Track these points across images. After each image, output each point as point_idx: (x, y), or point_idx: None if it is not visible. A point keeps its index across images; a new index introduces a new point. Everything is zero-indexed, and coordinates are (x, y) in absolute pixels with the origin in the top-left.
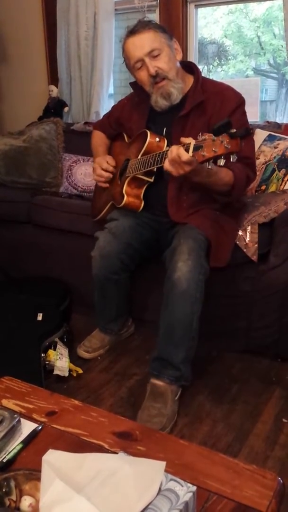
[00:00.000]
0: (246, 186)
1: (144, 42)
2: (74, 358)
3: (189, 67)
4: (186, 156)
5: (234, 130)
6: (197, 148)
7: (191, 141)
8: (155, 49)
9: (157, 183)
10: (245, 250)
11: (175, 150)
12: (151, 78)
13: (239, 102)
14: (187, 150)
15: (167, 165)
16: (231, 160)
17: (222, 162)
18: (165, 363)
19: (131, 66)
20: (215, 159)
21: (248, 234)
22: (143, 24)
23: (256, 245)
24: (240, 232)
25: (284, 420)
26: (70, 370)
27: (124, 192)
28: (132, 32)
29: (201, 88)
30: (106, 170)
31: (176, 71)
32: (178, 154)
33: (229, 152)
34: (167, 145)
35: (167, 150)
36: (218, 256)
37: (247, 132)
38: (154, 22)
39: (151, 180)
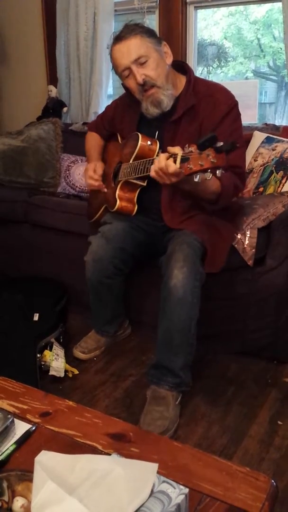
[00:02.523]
0: (234, 195)
1: (130, 49)
2: (70, 358)
3: (181, 67)
4: (173, 167)
5: (221, 144)
6: (184, 160)
7: (178, 151)
8: (142, 56)
9: (151, 187)
10: (242, 254)
11: (163, 161)
12: (139, 86)
13: (231, 105)
14: (174, 161)
15: (153, 173)
16: (217, 174)
17: (209, 176)
18: (165, 370)
19: (119, 74)
20: (201, 172)
21: (247, 238)
22: (129, 30)
23: (254, 250)
24: (238, 236)
25: (279, 423)
26: (65, 371)
27: (116, 196)
28: (118, 38)
29: (193, 91)
30: (92, 178)
31: (166, 76)
32: (166, 165)
33: (215, 166)
34: (160, 149)
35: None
36: (213, 262)
37: (233, 146)
38: (141, 26)
39: (144, 184)
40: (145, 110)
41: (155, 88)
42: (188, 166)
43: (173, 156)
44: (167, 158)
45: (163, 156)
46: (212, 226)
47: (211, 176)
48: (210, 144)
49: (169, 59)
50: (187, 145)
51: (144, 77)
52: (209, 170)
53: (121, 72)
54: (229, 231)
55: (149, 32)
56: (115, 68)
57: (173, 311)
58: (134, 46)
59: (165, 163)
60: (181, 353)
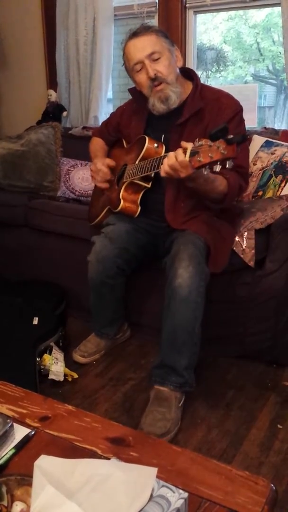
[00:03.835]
0: (238, 195)
1: (145, 44)
2: (69, 362)
3: (187, 74)
4: (182, 156)
5: (231, 136)
6: (193, 153)
7: (189, 146)
8: (156, 52)
9: (155, 189)
10: (242, 255)
11: (173, 155)
12: (150, 81)
13: (237, 110)
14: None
15: (166, 167)
16: (227, 166)
17: (218, 168)
18: (169, 370)
19: (130, 68)
20: (211, 165)
21: (244, 239)
22: (145, 27)
23: (253, 251)
24: (237, 238)
25: (279, 426)
26: (65, 375)
27: (121, 197)
28: (134, 34)
29: (200, 95)
30: (104, 165)
31: (175, 76)
32: (176, 155)
33: (225, 158)
34: (165, 151)
35: (165, 155)
36: (216, 262)
37: (244, 138)
38: (157, 27)
39: (148, 185)
40: (151, 106)
41: (164, 83)
42: (198, 159)
43: (183, 150)
44: (178, 150)
45: (172, 153)
46: (214, 226)
47: (219, 167)
48: (222, 135)
49: (179, 63)
50: (197, 139)
51: (156, 72)
52: (218, 162)
53: (133, 66)
54: (230, 233)
55: (164, 33)
56: (127, 62)
57: (178, 310)
58: (149, 42)
59: (175, 153)
60: (185, 352)
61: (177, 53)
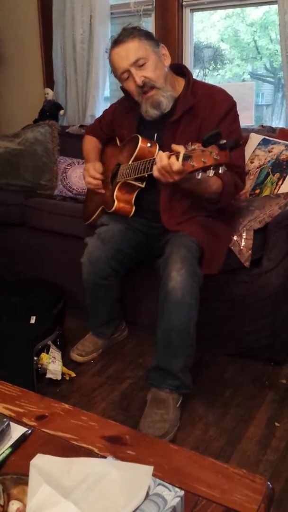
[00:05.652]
0: (234, 194)
1: (129, 52)
2: (67, 361)
3: (180, 70)
4: (177, 165)
5: (224, 141)
6: (186, 157)
7: (181, 149)
8: (141, 58)
9: (149, 189)
10: (238, 255)
11: (166, 159)
12: (139, 88)
13: (230, 106)
14: (177, 159)
15: (156, 173)
16: (220, 171)
17: (211, 173)
18: (164, 373)
19: (118, 77)
20: (204, 170)
21: (243, 240)
22: (127, 33)
23: (250, 252)
24: (235, 237)
25: (277, 424)
26: (63, 374)
27: (115, 197)
28: (116, 42)
29: (192, 92)
30: (93, 177)
31: (164, 78)
32: (170, 163)
33: (218, 163)
34: (159, 150)
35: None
36: (210, 263)
37: (237, 144)
38: (139, 29)
39: (142, 186)
40: (144, 112)
41: (154, 89)
42: (191, 163)
43: (175, 154)
44: (168, 157)
45: (163, 154)
46: (209, 228)
47: (213, 173)
48: (214, 140)
49: (167, 61)
50: (190, 143)
51: (143, 79)
52: (211, 167)
53: (120, 75)
54: (226, 233)
55: (147, 35)
56: (114, 71)
57: (172, 313)
58: (132, 49)
59: (169, 161)
60: (180, 355)
61: (164, 51)
